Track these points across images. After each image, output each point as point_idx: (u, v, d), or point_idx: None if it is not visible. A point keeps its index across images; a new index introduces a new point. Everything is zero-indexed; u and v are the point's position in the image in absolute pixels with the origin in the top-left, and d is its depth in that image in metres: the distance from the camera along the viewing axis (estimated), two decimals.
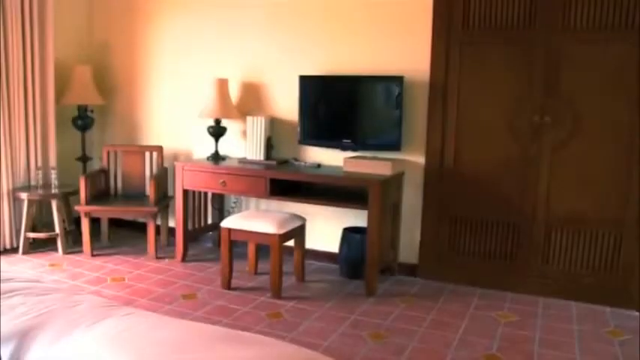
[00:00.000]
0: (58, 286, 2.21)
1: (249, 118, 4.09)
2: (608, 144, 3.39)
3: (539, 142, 3.53)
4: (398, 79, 3.69)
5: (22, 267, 3.88)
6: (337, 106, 3.94)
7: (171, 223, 4.40)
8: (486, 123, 3.66)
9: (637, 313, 3.37)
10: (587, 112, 3.41)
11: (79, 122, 4.55)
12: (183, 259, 4.10)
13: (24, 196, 4.10)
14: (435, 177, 3.80)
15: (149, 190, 4.18)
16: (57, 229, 4.16)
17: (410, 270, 3.92)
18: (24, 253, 4.14)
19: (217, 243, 4.27)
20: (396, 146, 3.73)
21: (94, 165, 4.77)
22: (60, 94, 4.48)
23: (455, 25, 3.68)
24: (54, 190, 4.19)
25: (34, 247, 4.24)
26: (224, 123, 4.24)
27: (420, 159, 3.83)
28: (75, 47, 4.75)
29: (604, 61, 3.36)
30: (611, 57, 3.34)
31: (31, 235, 4.17)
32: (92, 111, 4.62)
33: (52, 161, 4.42)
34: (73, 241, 4.37)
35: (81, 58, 4.78)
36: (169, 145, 4.59)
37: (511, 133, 3.60)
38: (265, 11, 4.19)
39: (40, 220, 4.37)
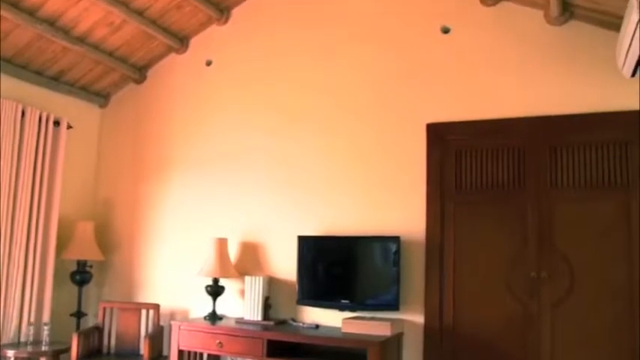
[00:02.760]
0: None
1: (247, 278, 4.10)
2: (608, 300, 3.39)
3: (538, 298, 3.53)
4: (395, 239, 3.76)
5: None
6: (335, 266, 3.97)
7: None
8: (484, 280, 3.68)
9: None
10: (584, 268, 3.46)
11: (77, 277, 4.55)
12: None
13: (11, 353, 3.98)
14: (434, 338, 3.73)
15: (143, 349, 4.09)
16: None
17: None
18: None
19: None
20: (394, 306, 3.71)
21: (89, 321, 4.70)
22: (61, 248, 4.53)
23: (448, 187, 3.84)
24: (44, 348, 4.07)
25: None
26: (222, 282, 4.25)
27: (419, 318, 3.79)
28: (79, 203, 4.89)
29: (595, 219, 3.47)
30: (601, 214, 3.46)
31: None
32: (91, 266, 4.64)
33: (46, 317, 4.35)
34: None
35: (84, 213, 4.90)
36: (166, 303, 4.55)
37: (509, 289, 3.61)
38: (264, 173, 4.38)
39: None
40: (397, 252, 3.75)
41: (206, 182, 4.59)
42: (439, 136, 3.89)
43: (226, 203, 4.50)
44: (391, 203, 3.95)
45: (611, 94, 3.49)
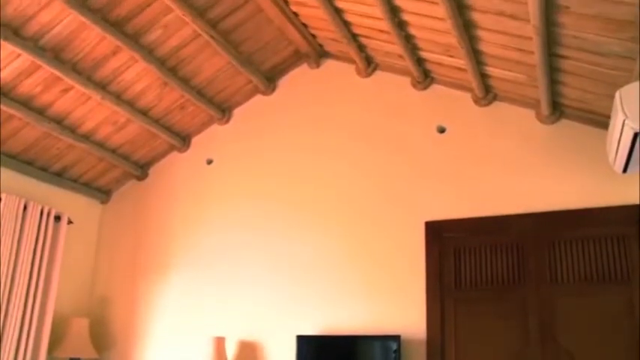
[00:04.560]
0: None
1: None
2: None
3: None
4: (395, 338, 3.69)
5: None
6: None
7: None
8: None
9: None
10: None
11: None
12: None
13: None
14: None
15: None
16: None
17: None
18: None
19: None
20: None
21: None
22: (54, 345, 4.42)
23: (448, 284, 3.82)
24: None
25: None
26: None
27: None
28: (75, 299, 4.82)
29: (597, 313, 3.42)
30: (604, 309, 3.42)
31: None
32: None
33: None
34: None
35: (80, 310, 4.82)
36: None
37: None
38: (263, 270, 4.37)
39: None
40: (397, 351, 3.66)
41: (205, 279, 4.55)
42: (438, 233, 3.92)
43: (225, 301, 4.43)
44: (391, 300, 3.91)
45: (606, 189, 3.56)
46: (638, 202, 3.49)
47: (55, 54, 3.81)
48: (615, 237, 3.51)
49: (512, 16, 3.06)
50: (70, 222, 4.68)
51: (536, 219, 3.69)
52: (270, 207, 4.51)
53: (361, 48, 4.30)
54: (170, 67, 4.25)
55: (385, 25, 3.68)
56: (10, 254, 4.21)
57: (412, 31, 3.70)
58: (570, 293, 3.52)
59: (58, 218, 4.60)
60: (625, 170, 3.06)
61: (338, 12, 3.92)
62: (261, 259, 4.41)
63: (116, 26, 3.79)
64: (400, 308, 3.86)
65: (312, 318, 4.11)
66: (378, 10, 3.56)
